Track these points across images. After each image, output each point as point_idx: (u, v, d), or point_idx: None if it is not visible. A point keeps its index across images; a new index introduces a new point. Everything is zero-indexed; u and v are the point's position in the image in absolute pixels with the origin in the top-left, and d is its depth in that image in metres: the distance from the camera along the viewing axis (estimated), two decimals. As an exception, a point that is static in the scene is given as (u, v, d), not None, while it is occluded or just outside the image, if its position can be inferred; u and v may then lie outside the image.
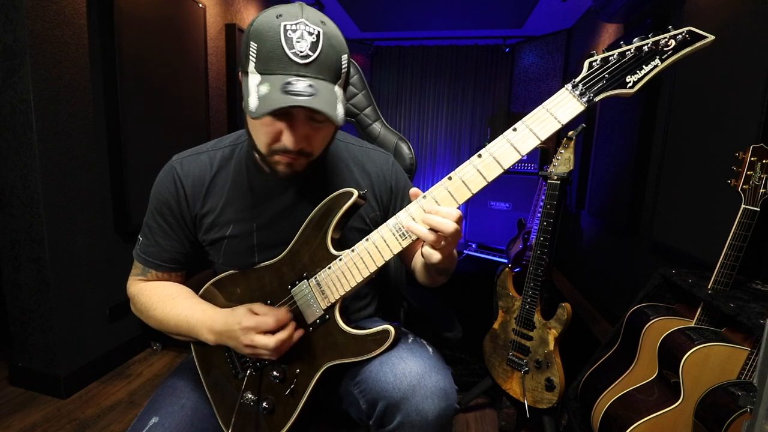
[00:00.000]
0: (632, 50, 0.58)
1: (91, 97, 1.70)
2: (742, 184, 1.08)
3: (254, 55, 0.64)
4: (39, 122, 1.49)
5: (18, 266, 1.61)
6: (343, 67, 0.68)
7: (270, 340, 0.68)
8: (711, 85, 1.62)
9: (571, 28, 3.79)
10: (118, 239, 1.87)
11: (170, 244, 0.81)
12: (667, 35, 0.57)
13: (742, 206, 1.07)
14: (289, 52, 0.62)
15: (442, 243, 0.63)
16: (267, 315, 0.70)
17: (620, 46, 0.59)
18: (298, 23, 0.63)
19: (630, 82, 0.58)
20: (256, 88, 0.63)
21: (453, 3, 3.41)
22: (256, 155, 0.77)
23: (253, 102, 0.63)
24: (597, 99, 0.59)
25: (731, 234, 1.09)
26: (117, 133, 1.75)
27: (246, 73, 0.66)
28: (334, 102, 0.65)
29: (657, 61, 0.57)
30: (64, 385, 1.65)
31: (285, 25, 0.62)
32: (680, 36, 0.56)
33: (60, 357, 1.64)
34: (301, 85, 0.62)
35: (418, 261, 0.86)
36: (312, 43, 0.63)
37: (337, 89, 0.67)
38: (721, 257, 1.11)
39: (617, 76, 0.58)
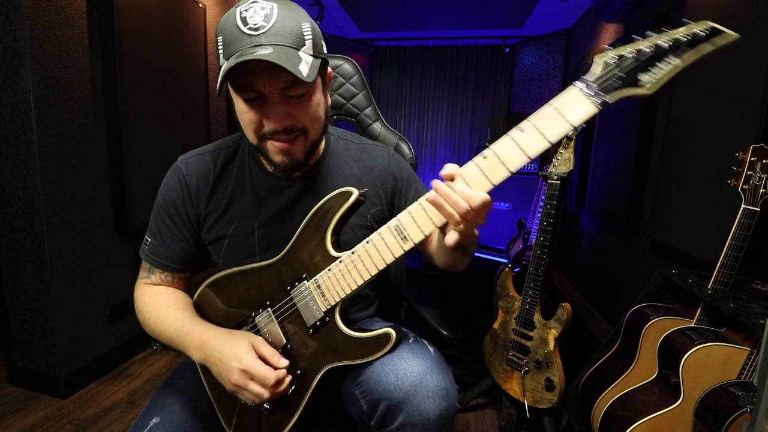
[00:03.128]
0: (651, 47, 0.53)
1: (91, 97, 1.70)
2: (742, 184, 1.08)
3: (221, 47, 0.66)
4: (39, 122, 1.49)
5: (18, 266, 1.61)
6: (305, 34, 0.67)
7: (265, 392, 0.66)
8: (711, 85, 1.62)
9: (571, 28, 3.79)
10: (118, 239, 1.86)
11: (178, 244, 0.82)
12: (688, 31, 0.52)
13: (742, 206, 1.07)
14: (244, 29, 0.64)
15: (461, 224, 0.60)
16: (269, 370, 0.67)
17: (633, 41, 0.54)
18: (251, 4, 0.65)
19: (647, 82, 0.53)
20: (222, 72, 0.64)
21: (453, 3, 3.41)
22: (258, 153, 0.77)
23: (218, 84, 0.64)
24: (612, 101, 0.53)
25: (731, 234, 1.09)
26: (117, 133, 1.75)
27: (220, 68, 0.67)
28: (295, 61, 0.63)
29: (678, 60, 0.52)
30: (64, 385, 1.65)
31: (240, 10, 0.65)
32: (703, 33, 0.51)
33: (60, 357, 1.64)
34: (254, 50, 0.62)
35: (438, 244, 0.82)
36: (265, 15, 0.65)
37: (302, 53, 0.66)
38: (721, 257, 1.11)
39: (633, 75, 0.53)
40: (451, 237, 0.61)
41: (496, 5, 3.45)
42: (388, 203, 0.88)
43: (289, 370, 0.74)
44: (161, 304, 0.80)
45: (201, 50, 2.25)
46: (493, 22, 3.87)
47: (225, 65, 0.63)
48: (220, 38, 0.66)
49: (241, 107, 0.70)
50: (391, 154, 0.91)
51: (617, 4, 2.27)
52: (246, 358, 0.67)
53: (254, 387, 0.67)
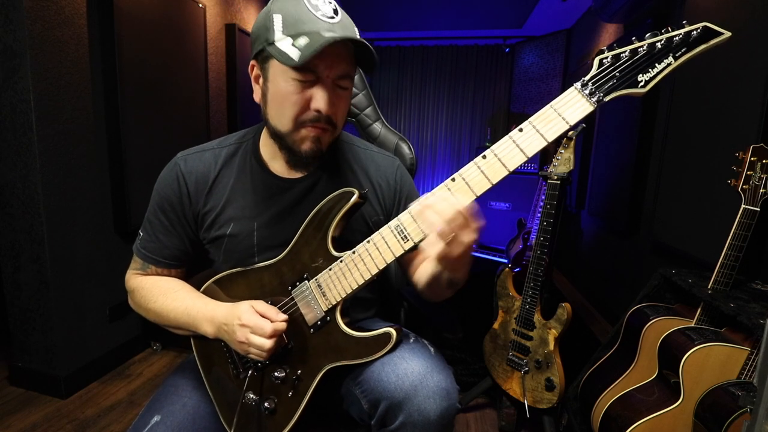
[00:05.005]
0: (645, 47, 0.55)
1: (91, 97, 1.70)
2: (742, 184, 1.08)
3: (279, 25, 0.68)
4: (39, 122, 1.49)
5: (18, 266, 1.61)
6: (357, 35, 0.71)
7: (266, 342, 0.68)
8: (711, 85, 1.62)
9: (571, 28, 3.79)
10: (118, 239, 1.86)
11: (171, 241, 0.81)
12: (682, 31, 0.54)
13: (742, 206, 1.07)
14: (316, 14, 0.67)
15: (450, 236, 0.59)
16: (265, 320, 0.69)
17: (631, 43, 0.56)
18: None
19: (642, 81, 0.55)
20: (291, 46, 0.66)
21: (453, 3, 3.41)
22: (276, 143, 0.77)
23: (294, 54, 0.65)
24: (607, 99, 0.56)
25: (731, 234, 1.09)
26: (117, 133, 1.75)
27: (271, 44, 0.68)
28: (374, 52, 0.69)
29: (670, 58, 0.54)
30: (64, 385, 1.65)
31: None
32: (695, 32, 0.53)
33: (60, 357, 1.64)
34: (334, 33, 0.66)
35: (423, 272, 0.82)
36: (333, 9, 0.69)
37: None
38: (721, 257, 1.11)
39: (629, 74, 0.55)
40: (435, 249, 0.60)
41: (496, 5, 3.46)
42: (387, 214, 0.88)
43: (290, 369, 0.74)
44: (169, 288, 0.81)
45: (201, 50, 2.25)
46: (493, 22, 3.87)
47: (308, 39, 0.65)
48: (278, 16, 0.68)
49: (289, 88, 0.70)
50: (397, 165, 0.90)
51: (617, 4, 2.27)
52: (244, 315, 0.70)
53: (255, 339, 0.68)
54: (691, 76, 1.75)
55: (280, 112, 0.72)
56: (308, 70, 0.68)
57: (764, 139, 1.19)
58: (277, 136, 0.75)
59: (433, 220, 0.59)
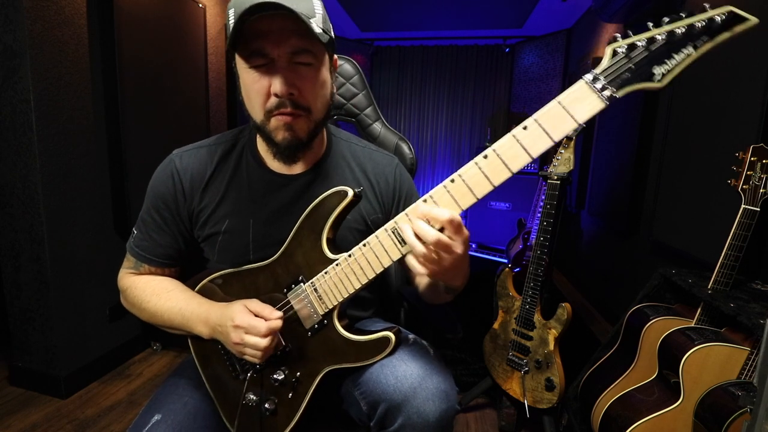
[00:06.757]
0: (664, 35, 0.49)
1: (91, 97, 1.70)
2: (742, 184, 1.08)
3: (231, 18, 0.65)
4: (39, 122, 1.49)
5: (18, 266, 1.61)
6: (316, 8, 0.67)
7: (261, 342, 0.67)
8: (711, 85, 1.62)
9: (571, 28, 3.79)
10: (118, 239, 1.86)
11: (164, 239, 0.80)
12: (704, 16, 0.48)
13: (742, 206, 1.07)
14: None
15: (433, 256, 0.57)
16: (259, 320, 0.68)
17: (648, 29, 0.50)
18: None
19: (659, 74, 0.49)
20: (232, 23, 0.64)
21: (453, 3, 3.41)
22: (260, 137, 0.76)
23: (228, 40, 0.65)
24: (620, 94, 0.50)
25: (731, 234, 1.09)
26: (117, 133, 1.75)
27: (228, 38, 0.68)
28: (306, 16, 0.63)
29: (690, 48, 0.48)
30: (64, 385, 1.65)
31: None
32: (719, 17, 0.47)
33: (60, 357, 1.64)
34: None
35: (422, 278, 0.82)
36: None
37: (312, 22, 0.65)
38: (721, 257, 1.11)
39: (644, 66, 0.49)
40: (417, 268, 0.59)
41: (496, 5, 3.45)
42: (386, 213, 0.86)
43: (289, 372, 0.74)
44: (162, 288, 0.80)
45: (201, 50, 2.25)
46: (493, 22, 3.87)
47: (234, 14, 0.62)
48: (231, 11, 0.64)
49: (249, 78, 0.68)
50: (396, 164, 0.89)
51: (617, 4, 2.27)
52: (237, 316, 0.68)
53: (250, 339, 0.67)
54: (691, 76, 1.75)
55: (251, 105, 0.71)
56: (257, 53, 0.66)
57: (764, 139, 1.19)
58: (258, 129, 0.74)
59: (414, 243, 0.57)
